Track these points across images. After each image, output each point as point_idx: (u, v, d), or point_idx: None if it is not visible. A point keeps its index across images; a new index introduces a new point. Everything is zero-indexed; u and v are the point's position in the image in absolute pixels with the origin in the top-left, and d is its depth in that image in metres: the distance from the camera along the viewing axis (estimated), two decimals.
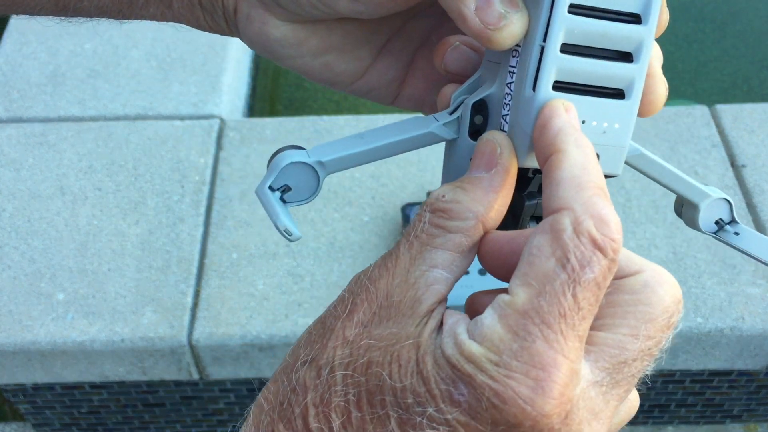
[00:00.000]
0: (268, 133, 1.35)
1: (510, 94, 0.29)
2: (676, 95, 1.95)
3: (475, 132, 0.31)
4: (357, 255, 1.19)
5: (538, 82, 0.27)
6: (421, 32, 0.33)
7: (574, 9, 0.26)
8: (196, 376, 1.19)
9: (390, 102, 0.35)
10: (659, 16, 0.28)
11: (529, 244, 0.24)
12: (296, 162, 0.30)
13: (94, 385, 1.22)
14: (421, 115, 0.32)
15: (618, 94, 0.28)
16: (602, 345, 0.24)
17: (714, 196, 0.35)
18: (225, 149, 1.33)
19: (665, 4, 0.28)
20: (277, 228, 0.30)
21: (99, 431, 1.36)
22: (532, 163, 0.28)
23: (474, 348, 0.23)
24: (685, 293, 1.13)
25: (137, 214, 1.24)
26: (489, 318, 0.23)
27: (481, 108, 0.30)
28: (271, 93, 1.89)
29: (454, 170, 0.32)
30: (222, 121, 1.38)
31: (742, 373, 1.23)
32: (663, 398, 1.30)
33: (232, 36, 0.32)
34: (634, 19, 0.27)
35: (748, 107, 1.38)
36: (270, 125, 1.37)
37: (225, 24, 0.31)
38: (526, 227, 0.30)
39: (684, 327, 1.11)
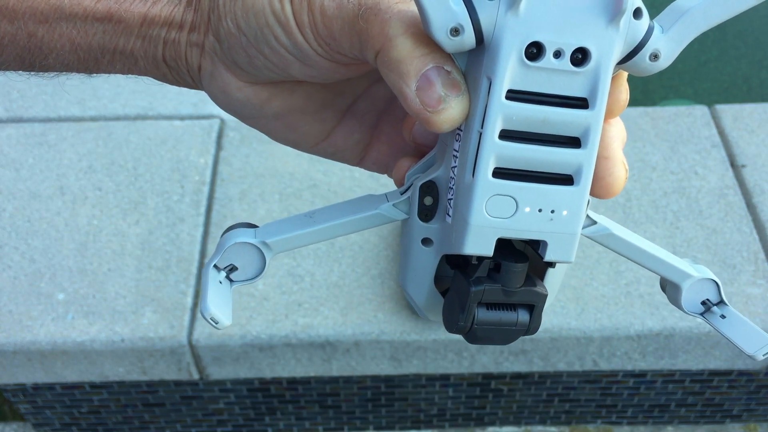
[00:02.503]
0: None
1: (453, 178, 0.28)
2: (676, 95, 1.95)
3: (426, 213, 0.30)
4: (357, 255, 1.19)
5: (476, 169, 0.26)
6: (385, 96, 0.33)
7: (513, 94, 0.25)
8: (196, 376, 1.19)
9: (356, 164, 0.35)
10: (616, 97, 0.27)
11: None
12: (241, 242, 0.31)
13: (94, 385, 1.22)
14: (374, 194, 0.32)
15: (566, 179, 0.27)
16: None
17: (696, 277, 0.34)
18: (225, 149, 1.33)
19: (623, 84, 0.27)
20: (202, 314, 0.30)
21: (99, 431, 1.36)
22: (475, 250, 0.27)
23: None
24: None
25: (137, 214, 1.24)
26: None
27: (430, 189, 0.29)
28: None
29: (405, 252, 0.32)
30: (222, 121, 1.38)
31: (742, 373, 1.23)
32: (663, 398, 1.30)
33: (200, 90, 0.32)
34: (581, 103, 0.25)
35: (748, 107, 1.38)
36: None
37: (190, 80, 0.31)
38: (473, 315, 0.29)
39: (684, 327, 1.11)
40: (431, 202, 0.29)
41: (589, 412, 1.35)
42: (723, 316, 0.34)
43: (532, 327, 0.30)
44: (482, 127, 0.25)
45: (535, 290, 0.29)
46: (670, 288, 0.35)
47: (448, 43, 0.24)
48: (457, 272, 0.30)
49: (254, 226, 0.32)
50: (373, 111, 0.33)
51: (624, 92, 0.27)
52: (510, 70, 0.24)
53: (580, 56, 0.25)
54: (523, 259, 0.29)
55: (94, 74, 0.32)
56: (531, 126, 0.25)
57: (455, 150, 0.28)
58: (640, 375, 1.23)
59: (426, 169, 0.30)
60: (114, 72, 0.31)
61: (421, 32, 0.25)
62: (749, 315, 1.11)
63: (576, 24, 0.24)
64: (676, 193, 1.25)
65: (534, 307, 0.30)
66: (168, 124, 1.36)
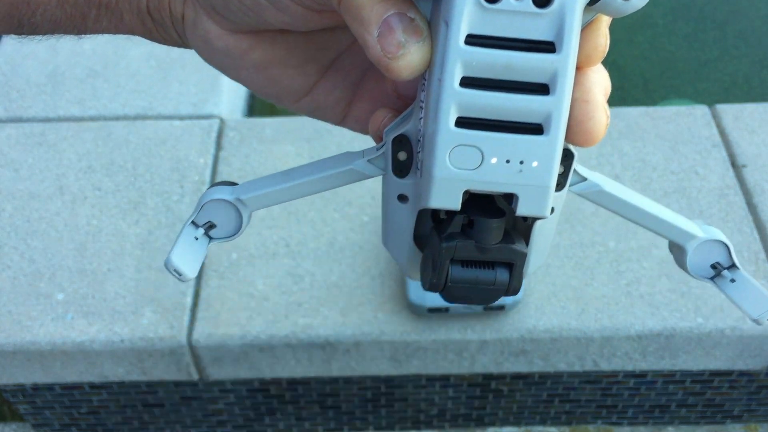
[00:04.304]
0: (268, 133, 1.35)
1: (421, 130, 0.27)
2: (676, 95, 1.95)
3: (400, 169, 0.29)
4: (357, 255, 1.18)
5: (437, 119, 0.25)
6: None
7: (473, 39, 0.24)
8: (195, 377, 1.19)
9: (338, 122, 0.34)
10: (594, 43, 0.25)
11: None
12: (217, 199, 0.31)
13: (93, 386, 1.22)
14: (352, 151, 0.31)
15: (535, 129, 0.25)
16: None
17: (702, 238, 0.32)
18: (225, 149, 1.33)
19: (601, 29, 0.25)
20: (165, 266, 0.30)
21: (98, 431, 1.35)
22: (441, 203, 0.26)
23: None
24: (685, 293, 1.13)
25: (137, 214, 1.23)
26: None
27: (403, 143, 0.28)
28: None
29: (383, 209, 0.31)
30: (222, 121, 1.38)
31: (742, 374, 1.23)
32: (663, 398, 1.30)
33: (185, 47, 0.32)
34: (547, 47, 0.24)
35: (749, 107, 1.38)
36: (270, 125, 1.37)
37: (175, 34, 0.31)
38: (447, 272, 0.28)
39: (684, 327, 1.11)
40: (405, 157, 0.28)
41: (589, 413, 1.35)
42: (733, 281, 0.32)
43: (512, 287, 0.29)
44: (441, 75, 0.24)
45: (512, 247, 0.28)
46: (675, 250, 0.33)
47: None
48: (432, 229, 0.30)
49: (235, 184, 0.32)
50: (356, 67, 0.33)
51: (602, 37, 0.25)
52: (467, 14, 0.23)
53: None
54: (499, 214, 0.28)
55: (83, 35, 0.32)
56: (494, 72, 0.24)
57: (421, 101, 0.27)
58: (641, 375, 1.23)
59: (401, 123, 0.29)
60: (102, 30, 0.31)
61: None
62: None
63: None
64: (677, 193, 1.25)
65: (513, 266, 0.28)
66: (168, 124, 1.36)
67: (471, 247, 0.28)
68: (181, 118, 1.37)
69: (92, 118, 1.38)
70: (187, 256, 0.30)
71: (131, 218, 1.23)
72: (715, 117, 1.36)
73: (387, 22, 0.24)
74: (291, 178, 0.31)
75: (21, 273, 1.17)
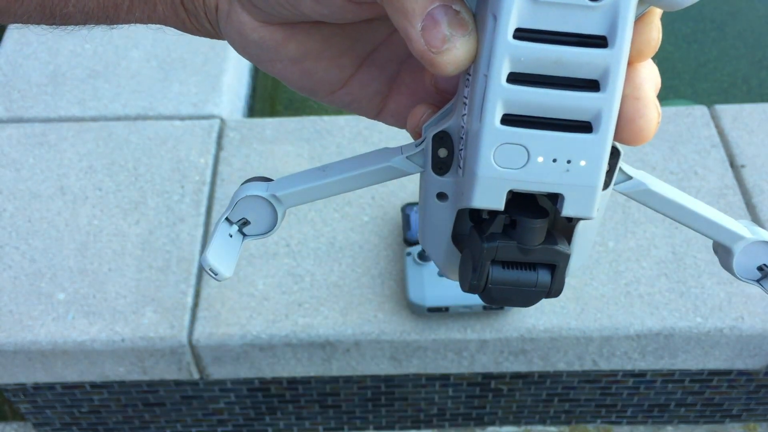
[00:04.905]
0: (268, 133, 1.35)
1: (464, 126, 0.26)
2: (675, 95, 1.95)
3: (440, 166, 0.28)
4: (357, 255, 1.19)
5: (482, 116, 0.24)
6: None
7: (522, 33, 0.23)
8: (196, 376, 1.19)
9: (374, 116, 0.33)
10: (646, 37, 0.24)
11: None
12: (252, 195, 0.30)
13: (94, 385, 1.22)
14: (389, 146, 0.31)
15: (583, 127, 0.24)
16: None
17: (750, 239, 0.30)
18: (225, 149, 1.33)
19: (654, 22, 0.24)
20: (201, 266, 0.30)
21: (99, 431, 1.36)
22: (484, 203, 0.26)
23: None
24: (684, 293, 1.14)
25: (137, 214, 1.24)
26: None
27: (444, 140, 0.27)
28: (271, 93, 1.89)
29: (421, 207, 0.30)
30: (222, 121, 1.38)
31: (741, 373, 1.23)
32: (662, 398, 1.30)
33: (218, 38, 0.32)
34: (599, 42, 0.23)
35: (748, 107, 1.38)
36: (270, 125, 1.37)
37: (209, 25, 0.31)
38: (487, 273, 0.27)
39: (683, 326, 1.11)
40: (446, 154, 0.27)
41: (588, 412, 1.35)
42: None
43: (554, 289, 0.28)
44: (488, 70, 0.23)
45: (555, 248, 0.27)
46: (721, 251, 0.31)
47: None
48: (472, 228, 0.29)
49: (269, 180, 0.31)
50: (393, 60, 0.32)
51: (655, 31, 0.24)
52: (516, 6, 0.22)
53: None
54: (543, 214, 0.27)
55: (115, 25, 0.31)
56: (543, 68, 0.23)
57: (465, 96, 0.26)
58: (640, 375, 1.23)
59: (442, 119, 0.28)
60: (134, 21, 0.31)
61: None
62: (749, 315, 1.11)
63: None
64: None
65: (555, 267, 0.27)
66: (168, 124, 1.36)
67: (513, 248, 0.27)
68: (182, 118, 1.38)
69: (93, 119, 1.38)
70: (222, 255, 0.30)
71: (132, 218, 1.23)
72: (714, 117, 1.36)
73: (431, 14, 0.23)
74: (327, 175, 0.30)
75: (22, 273, 1.17)
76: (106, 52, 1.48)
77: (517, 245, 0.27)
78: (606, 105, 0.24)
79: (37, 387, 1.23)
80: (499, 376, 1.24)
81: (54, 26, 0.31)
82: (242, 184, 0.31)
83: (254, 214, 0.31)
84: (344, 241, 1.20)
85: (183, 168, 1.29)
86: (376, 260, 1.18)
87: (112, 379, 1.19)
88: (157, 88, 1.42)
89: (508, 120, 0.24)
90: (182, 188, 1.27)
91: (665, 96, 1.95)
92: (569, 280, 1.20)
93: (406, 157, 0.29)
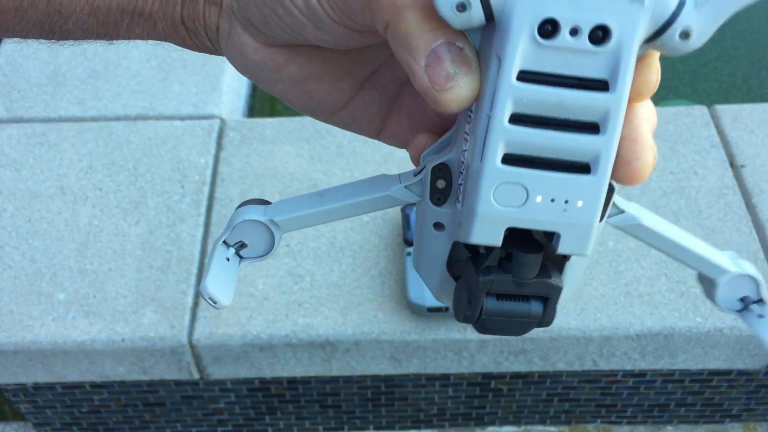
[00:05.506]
0: (268, 133, 1.35)
1: (464, 162, 0.26)
2: (675, 95, 1.96)
3: (438, 197, 0.28)
4: (357, 255, 1.19)
5: (484, 155, 0.24)
6: None
7: (525, 75, 0.23)
8: (196, 376, 1.19)
9: (374, 136, 0.34)
10: (645, 78, 0.24)
11: None
12: (250, 220, 0.31)
13: (94, 385, 1.22)
14: (387, 174, 0.31)
15: (582, 168, 0.24)
16: None
17: (733, 273, 0.31)
18: (225, 149, 1.33)
19: (653, 65, 0.24)
20: (201, 293, 0.30)
21: (99, 430, 1.36)
22: (482, 239, 0.26)
23: None
24: (684, 293, 1.14)
25: (137, 214, 1.24)
26: None
27: (443, 172, 0.28)
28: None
29: (418, 234, 0.31)
30: (222, 121, 1.38)
31: (741, 373, 1.23)
32: (662, 398, 1.30)
33: (219, 55, 0.32)
34: (600, 85, 0.23)
35: (748, 107, 1.38)
36: (270, 125, 1.37)
37: (209, 43, 0.31)
38: (482, 305, 0.28)
39: (683, 326, 1.11)
40: (444, 185, 0.28)
41: (588, 412, 1.35)
42: (761, 316, 0.31)
43: (545, 319, 0.28)
44: (491, 110, 0.24)
45: (549, 282, 0.28)
46: (705, 282, 0.32)
47: (455, 19, 0.23)
48: (468, 260, 0.29)
49: (267, 203, 0.32)
50: (393, 82, 0.32)
51: (654, 73, 0.25)
52: (521, 49, 0.23)
53: (600, 34, 0.22)
54: (537, 249, 0.27)
55: (114, 41, 0.31)
56: (545, 110, 0.24)
57: (466, 132, 0.26)
58: (640, 375, 1.24)
59: (441, 150, 0.29)
60: (133, 37, 0.31)
61: (433, 5, 0.23)
62: None
63: None
64: (676, 193, 1.25)
65: (548, 299, 0.28)
66: (168, 124, 1.36)
67: (508, 281, 0.27)
68: (182, 118, 1.38)
69: (93, 119, 1.38)
70: (221, 282, 0.30)
71: (132, 218, 1.23)
72: (714, 117, 1.36)
73: (435, 51, 0.24)
74: (325, 201, 0.30)
75: (22, 273, 1.17)
76: (106, 52, 1.48)
77: (513, 279, 0.27)
78: (605, 147, 0.24)
79: (37, 387, 1.23)
80: (499, 376, 1.24)
81: (53, 41, 0.32)
82: (239, 207, 0.32)
83: (251, 237, 0.31)
84: (344, 241, 1.20)
85: (183, 168, 1.30)
86: (376, 260, 1.18)
87: (112, 379, 1.19)
88: (157, 88, 1.42)
89: (509, 159, 0.24)
90: (182, 188, 1.27)
91: (665, 96, 1.95)
92: None
93: (405, 187, 0.29)
